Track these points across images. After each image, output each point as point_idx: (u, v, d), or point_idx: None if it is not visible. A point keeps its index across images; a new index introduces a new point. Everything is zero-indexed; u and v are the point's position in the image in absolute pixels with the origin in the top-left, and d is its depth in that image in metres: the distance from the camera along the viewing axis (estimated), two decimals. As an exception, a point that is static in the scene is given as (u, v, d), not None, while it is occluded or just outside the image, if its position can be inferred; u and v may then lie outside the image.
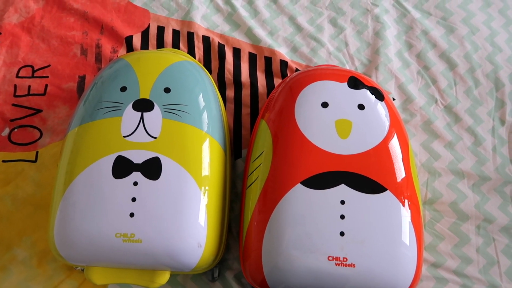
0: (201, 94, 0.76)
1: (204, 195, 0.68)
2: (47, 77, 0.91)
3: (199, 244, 0.66)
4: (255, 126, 0.78)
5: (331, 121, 0.72)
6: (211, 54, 0.93)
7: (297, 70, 0.91)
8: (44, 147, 0.85)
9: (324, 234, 0.65)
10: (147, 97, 0.73)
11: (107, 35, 0.95)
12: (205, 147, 0.72)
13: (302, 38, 0.95)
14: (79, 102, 0.77)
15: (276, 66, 0.92)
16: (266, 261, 0.65)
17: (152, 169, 0.67)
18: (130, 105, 0.72)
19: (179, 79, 0.76)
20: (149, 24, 0.96)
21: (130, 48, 0.94)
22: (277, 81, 0.91)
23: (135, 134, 0.70)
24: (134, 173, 0.67)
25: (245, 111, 0.88)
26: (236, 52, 0.94)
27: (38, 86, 0.90)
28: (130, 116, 0.71)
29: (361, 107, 0.74)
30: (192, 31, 0.95)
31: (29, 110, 0.88)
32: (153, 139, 0.69)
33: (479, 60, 0.91)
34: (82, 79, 0.91)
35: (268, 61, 0.93)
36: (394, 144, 0.72)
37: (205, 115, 0.74)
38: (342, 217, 0.65)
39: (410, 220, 0.67)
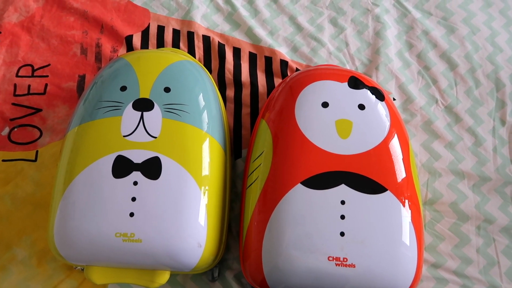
0: (201, 94, 0.76)
1: (204, 195, 0.68)
2: (47, 76, 0.91)
3: (199, 244, 0.66)
4: (255, 126, 0.78)
5: (331, 121, 0.72)
6: (211, 54, 0.93)
7: (297, 70, 0.91)
8: (44, 147, 0.85)
9: (324, 234, 0.65)
10: (147, 97, 0.72)
11: (107, 35, 0.95)
12: (205, 146, 0.72)
13: (302, 38, 0.95)
14: (79, 102, 0.77)
15: (276, 66, 0.92)
16: (266, 261, 0.65)
17: (152, 168, 0.67)
18: (130, 105, 0.72)
19: (179, 79, 0.76)
20: (149, 23, 0.96)
21: (130, 48, 0.94)
22: (277, 81, 0.91)
23: (135, 134, 0.70)
24: (134, 172, 0.67)
25: (245, 110, 0.88)
26: (236, 52, 0.93)
27: (38, 86, 0.90)
28: (130, 115, 0.71)
29: (361, 107, 0.74)
30: (192, 30, 0.95)
31: (29, 109, 0.88)
32: (153, 139, 0.69)
33: (480, 60, 0.91)
34: (82, 79, 0.91)
35: (268, 61, 0.93)
36: (395, 144, 0.72)
37: (205, 115, 0.74)
38: (342, 217, 0.65)
39: (410, 221, 0.67)
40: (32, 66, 0.92)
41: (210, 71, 0.91)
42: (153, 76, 0.75)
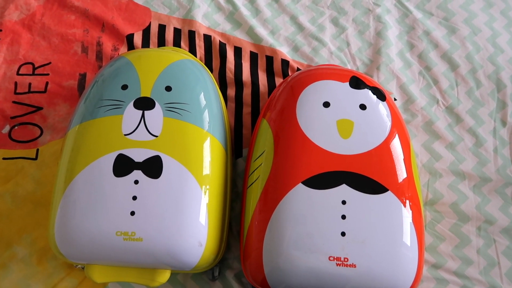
0: (202, 93, 0.76)
1: (205, 194, 0.68)
2: (48, 74, 0.91)
3: (200, 243, 0.66)
4: (256, 125, 0.78)
5: (332, 121, 0.72)
6: (212, 53, 0.93)
7: (298, 69, 0.91)
8: (45, 145, 0.85)
9: (325, 234, 0.65)
10: (148, 96, 0.72)
11: (108, 33, 0.94)
12: (206, 146, 0.72)
13: (303, 37, 0.95)
14: (80, 100, 0.77)
15: (277, 66, 0.92)
16: (267, 261, 0.65)
17: (153, 167, 0.67)
18: (131, 103, 0.72)
19: (180, 78, 0.76)
20: (150, 22, 0.96)
21: (131, 46, 0.93)
22: (278, 80, 0.91)
23: (136, 133, 0.70)
24: (135, 171, 0.67)
25: (246, 110, 0.88)
26: (238, 51, 0.93)
27: (38, 84, 0.90)
28: (131, 114, 0.71)
29: (362, 107, 0.73)
30: (193, 29, 0.95)
31: (29, 107, 0.88)
32: (154, 138, 0.69)
33: (481, 61, 0.91)
34: (82, 77, 0.91)
35: (270, 60, 0.93)
36: (396, 145, 0.72)
37: (206, 114, 0.74)
38: (343, 217, 0.65)
39: (411, 221, 0.67)
40: (33, 64, 0.91)
41: (211, 70, 0.91)
42: (154, 75, 0.75)
